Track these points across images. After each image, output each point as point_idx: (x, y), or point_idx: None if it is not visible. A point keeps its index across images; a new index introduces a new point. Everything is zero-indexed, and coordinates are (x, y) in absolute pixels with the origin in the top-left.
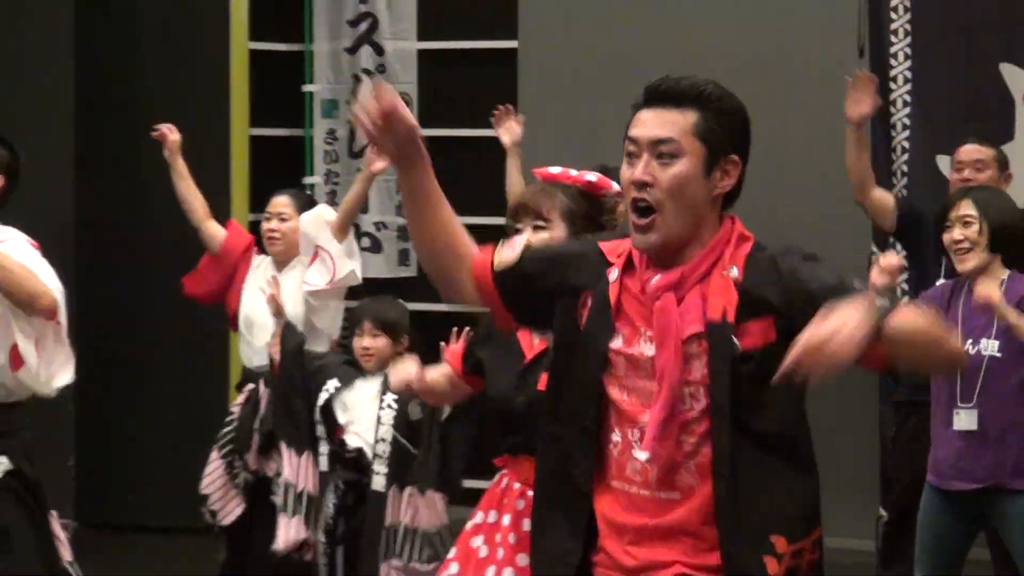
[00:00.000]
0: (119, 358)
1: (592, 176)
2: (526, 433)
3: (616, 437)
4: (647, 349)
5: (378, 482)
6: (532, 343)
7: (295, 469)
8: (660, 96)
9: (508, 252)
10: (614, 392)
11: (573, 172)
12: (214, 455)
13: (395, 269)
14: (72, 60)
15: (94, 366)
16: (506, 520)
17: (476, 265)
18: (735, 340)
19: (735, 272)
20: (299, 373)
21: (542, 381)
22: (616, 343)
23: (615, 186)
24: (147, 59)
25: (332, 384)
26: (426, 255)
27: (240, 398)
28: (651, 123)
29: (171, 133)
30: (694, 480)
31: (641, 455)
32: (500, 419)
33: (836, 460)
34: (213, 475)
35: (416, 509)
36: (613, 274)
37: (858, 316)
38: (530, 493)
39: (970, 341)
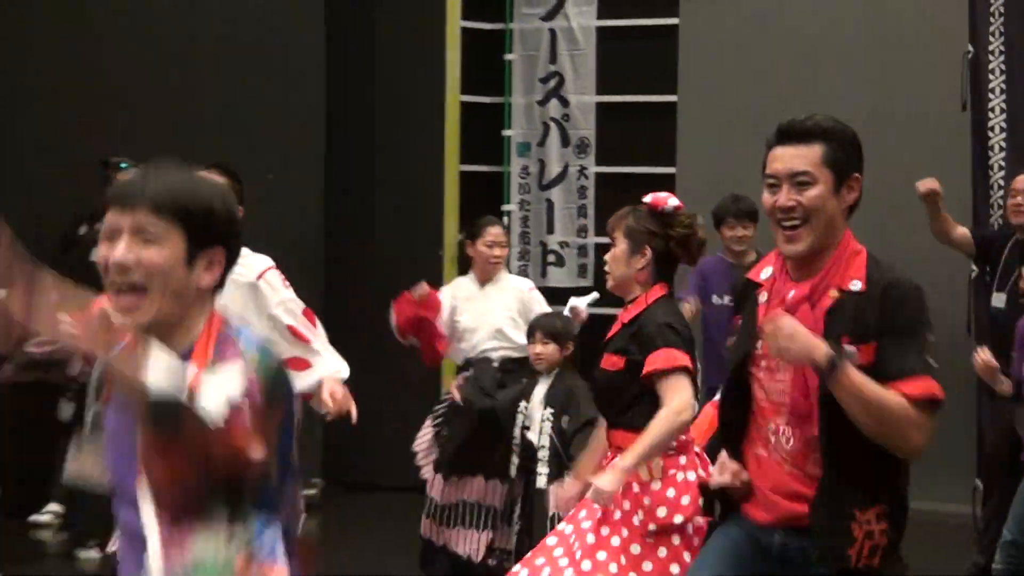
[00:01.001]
0: (362, 346)
1: (648, 197)
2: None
3: (759, 431)
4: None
5: (541, 480)
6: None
7: (484, 491)
8: (790, 134)
9: None
10: (758, 392)
11: (648, 198)
12: (428, 423)
13: (575, 280)
14: (324, 109)
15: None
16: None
17: None
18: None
19: (858, 285)
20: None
21: (604, 360)
22: (758, 350)
23: (671, 201)
24: (379, 109)
25: (523, 406)
26: None
27: (457, 380)
28: (786, 158)
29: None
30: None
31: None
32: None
33: (936, 434)
34: (423, 438)
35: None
36: (763, 296)
37: (813, 346)
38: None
39: None
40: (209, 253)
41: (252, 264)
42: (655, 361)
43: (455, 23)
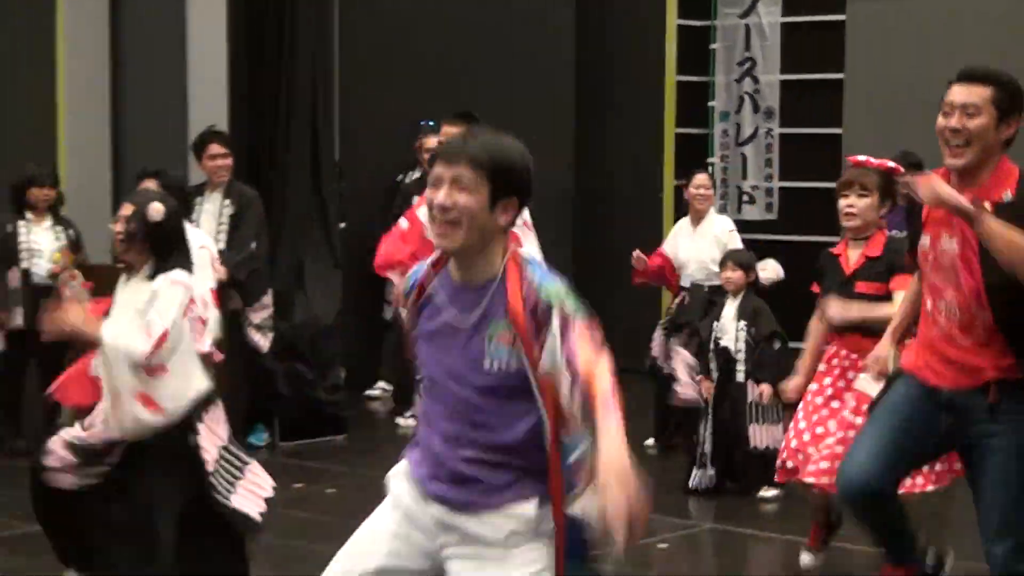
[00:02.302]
0: (608, 271)
1: (891, 163)
2: None
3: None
4: (949, 246)
5: (740, 376)
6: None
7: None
8: (969, 76)
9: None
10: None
11: (874, 160)
12: (658, 332)
13: (763, 214)
14: (573, 87)
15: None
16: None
17: None
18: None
19: (1009, 196)
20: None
21: (859, 286)
22: (924, 243)
23: (891, 164)
24: (617, 86)
25: (716, 324)
26: None
27: (676, 302)
28: (961, 93)
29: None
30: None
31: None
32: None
33: None
34: (656, 343)
35: (760, 393)
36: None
37: (959, 196)
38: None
39: None
40: (506, 201)
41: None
42: (901, 282)
43: (672, 21)
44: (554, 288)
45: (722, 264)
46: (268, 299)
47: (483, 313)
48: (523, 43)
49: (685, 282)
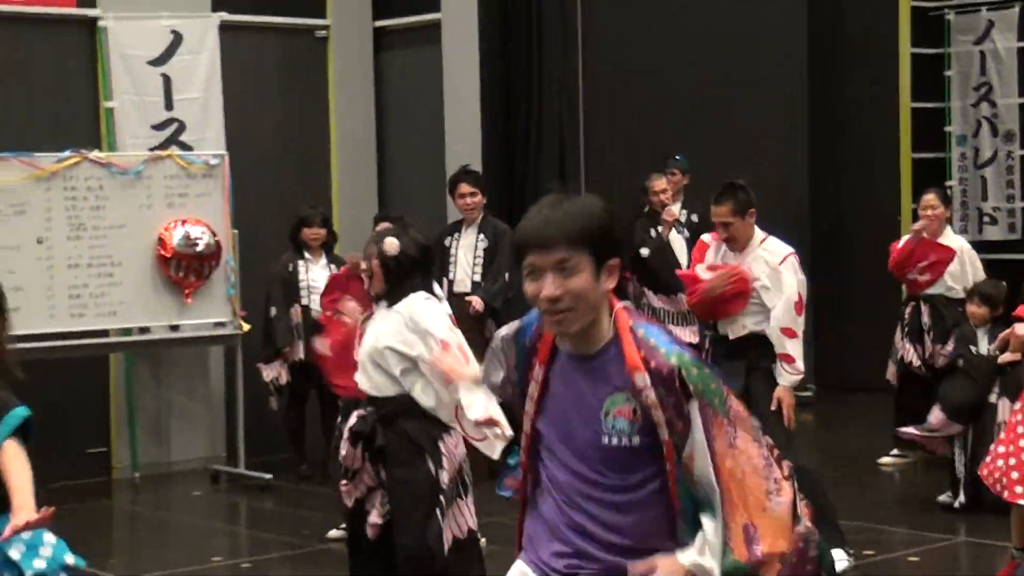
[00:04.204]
0: (847, 286)
1: None
2: None
3: None
4: None
5: (993, 396)
6: None
7: None
8: None
9: None
10: None
11: None
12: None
13: (1006, 234)
14: (806, 115)
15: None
16: None
17: None
18: None
19: None
20: None
21: None
22: None
23: None
24: (851, 111)
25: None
26: None
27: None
28: None
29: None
30: None
31: None
32: None
33: None
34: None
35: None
36: None
37: None
38: None
39: None
40: (609, 265)
41: (775, 249)
42: None
43: (906, 50)
44: (679, 355)
45: (969, 295)
46: None
47: (598, 385)
48: (757, 72)
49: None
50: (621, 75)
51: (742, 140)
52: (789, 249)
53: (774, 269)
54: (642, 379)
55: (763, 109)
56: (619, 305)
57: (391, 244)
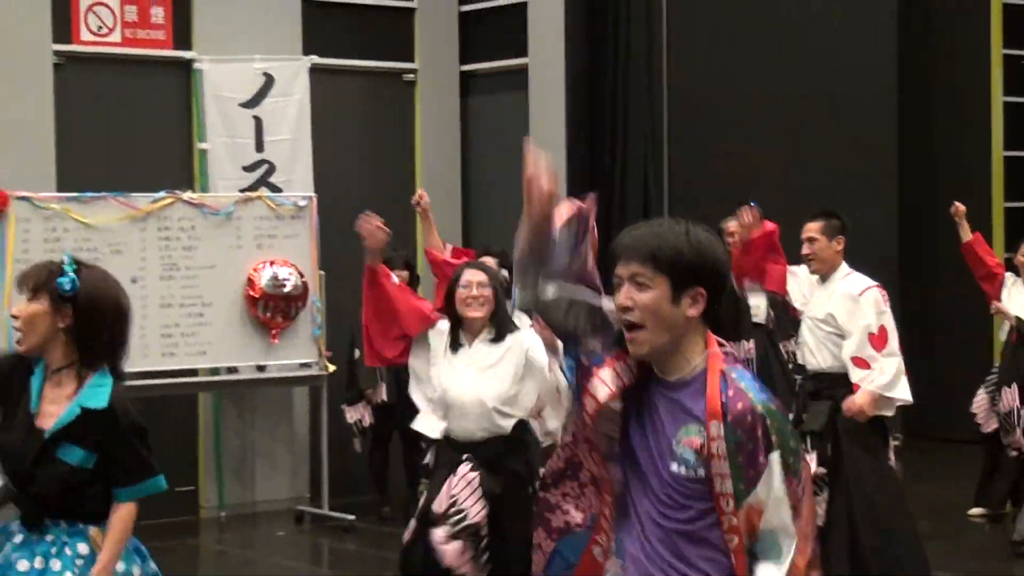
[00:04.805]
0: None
1: None
2: None
3: None
4: None
5: None
6: None
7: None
8: None
9: None
10: None
11: None
12: (981, 390)
13: None
14: (896, 152)
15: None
16: None
17: None
18: None
19: None
20: None
21: None
22: None
23: None
24: (941, 159)
25: None
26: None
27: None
28: None
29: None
30: None
31: None
32: None
33: None
34: (979, 403)
35: None
36: None
37: None
38: None
39: None
40: (691, 292)
41: (857, 282)
42: None
43: (998, 98)
44: (766, 404)
45: None
46: None
47: (676, 412)
48: (848, 122)
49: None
50: (707, 118)
51: (832, 188)
52: (873, 283)
53: (854, 300)
54: (717, 428)
55: (853, 157)
56: (717, 348)
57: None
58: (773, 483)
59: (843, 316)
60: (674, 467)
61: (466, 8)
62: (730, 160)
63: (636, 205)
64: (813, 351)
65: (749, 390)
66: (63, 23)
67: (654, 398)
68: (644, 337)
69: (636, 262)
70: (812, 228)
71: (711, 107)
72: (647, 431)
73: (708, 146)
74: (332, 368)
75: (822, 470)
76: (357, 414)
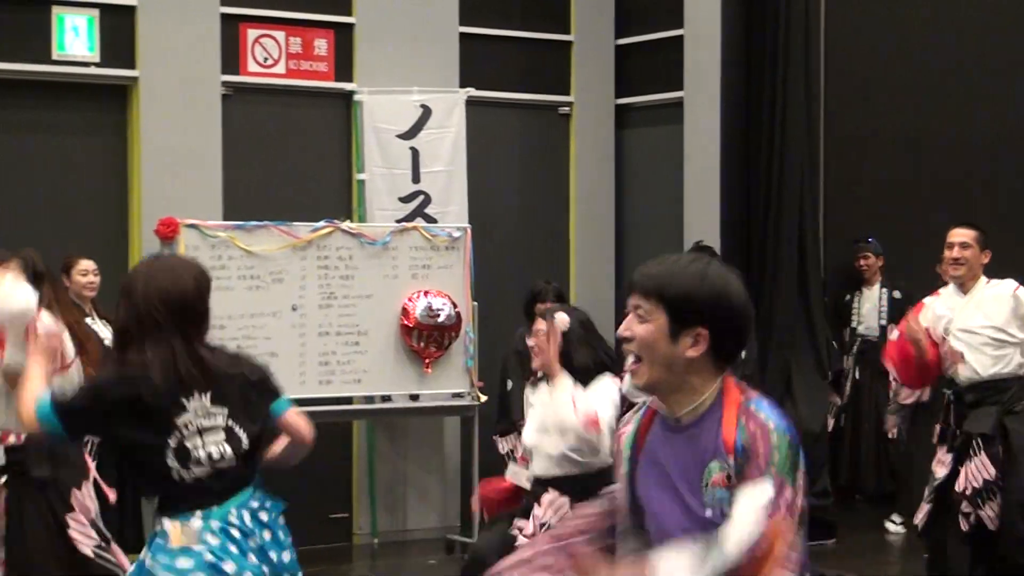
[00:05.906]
0: None
1: None
2: None
3: None
4: None
5: None
6: None
7: None
8: None
9: None
10: None
11: None
12: None
13: None
14: None
15: None
16: None
17: None
18: None
19: None
20: None
21: None
22: None
23: None
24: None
25: None
26: None
27: None
28: None
29: None
30: None
31: None
32: None
33: None
34: None
35: None
36: None
37: None
38: None
39: None
40: (692, 331)
41: (1002, 283)
42: None
43: None
44: (779, 423)
45: None
46: None
47: (695, 457)
48: (1008, 160)
49: None
50: (865, 153)
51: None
52: (1016, 283)
53: (1014, 298)
54: (731, 443)
55: (1014, 195)
56: (733, 381)
57: (562, 320)
58: (765, 484)
59: (1004, 316)
60: (708, 512)
61: (622, 41)
62: (887, 195)
63: (791, 239)
64: (969, 361)
65: (765, 413)
66: (231, 54)
67: (666, 443)
68: (643, 370)
69: (640, 294)
70: (967, 235)
71: (869, 142)
72: (664, 480)
73: (864, 182)
74: (484, 398)
75: (996, 473)
76: (509, 445)
